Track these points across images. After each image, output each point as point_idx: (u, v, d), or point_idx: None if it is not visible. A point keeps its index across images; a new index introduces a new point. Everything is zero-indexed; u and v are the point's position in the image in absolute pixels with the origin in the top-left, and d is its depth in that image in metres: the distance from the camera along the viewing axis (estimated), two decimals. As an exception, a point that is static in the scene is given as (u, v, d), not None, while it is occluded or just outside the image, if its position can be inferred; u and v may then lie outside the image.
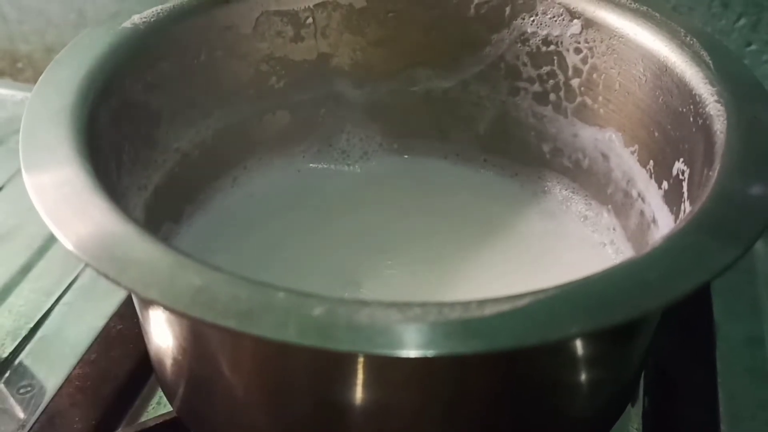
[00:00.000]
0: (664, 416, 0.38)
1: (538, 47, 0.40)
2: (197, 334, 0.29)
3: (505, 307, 0.23)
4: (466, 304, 0.23)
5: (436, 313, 0.23)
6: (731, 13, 0.49)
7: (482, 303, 0.23)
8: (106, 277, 0.24)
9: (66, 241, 0.25)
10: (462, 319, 0.22)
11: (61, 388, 0.38)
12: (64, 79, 0.32)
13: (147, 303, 0.30)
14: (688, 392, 0.40)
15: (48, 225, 0.25)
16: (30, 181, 0.27)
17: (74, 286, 0.45)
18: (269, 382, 0.29)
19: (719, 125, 0.30)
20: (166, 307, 0.24)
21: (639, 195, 0.37)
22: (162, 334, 0.31)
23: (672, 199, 0.34)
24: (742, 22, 0.49)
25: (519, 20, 0.40)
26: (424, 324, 0.22)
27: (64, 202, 0.26)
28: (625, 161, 0.38)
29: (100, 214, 0.26)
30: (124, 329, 0.41)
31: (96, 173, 0.27)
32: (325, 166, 0.44)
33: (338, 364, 0.26)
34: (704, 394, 0.39)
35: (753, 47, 0.50)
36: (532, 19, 0.40)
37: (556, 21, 0.39)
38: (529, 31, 0.40)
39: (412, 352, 0.22)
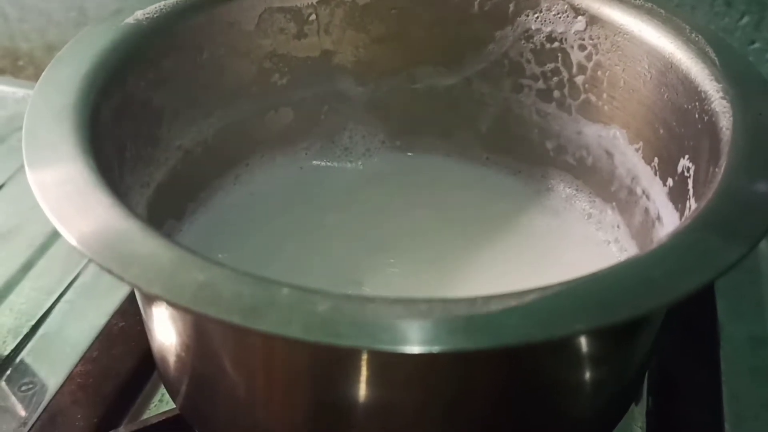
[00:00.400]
0: (668, 416, 0.38)
1: (542, 44, 0.40)
2: (201, 331, 0.29)
3: (511, 303, 0.23)
4: (471, 300, 0.23)
5: (442, 309, 0.22)
6: (734, 12, 0.49)
7: (488, 299, 0.23)
8: (110, 272, 0.24)
9: (70, 238, 0.25)
10: (467, 315, 0.22)
11: (62, 385, 0.38)
12: (66, 76, 0.32)
13: (150, 299, 0.30)
14: (692, 392, 0.39)
15: (52, 221, 0.25)
16: (33, 178, 0.27)
17: (75, 283, 0.45)
18: (273, 379, 0.29)
19: (725, 122, 0.30)
20: (169, 303, 0.23)
21: (643, 192, 0.37)
22: (165, 330, 0.31)
23: (677, 197, 0.34)
24: (745, 20, 0.49)
25: (523, 17, 0.40)
26: (429, 320, 0.22)
27: (68, 199, 0.26)
28: (630, 158, 0.38)
29: (104, 211, 0.26)
30: (125, 327, 0.41)
31: (99, 170, 0.27)
32: (328, 163, 0.44)
33: (342, 360, 0.26)
34: (708, 393, 0.39)
35: (756, 45, 0.50)
36: (536, 15, 0.39)
37: (560, 18, 0.39)
38: (533, 27, 0.40)
39: (416, 348, 0.22)
